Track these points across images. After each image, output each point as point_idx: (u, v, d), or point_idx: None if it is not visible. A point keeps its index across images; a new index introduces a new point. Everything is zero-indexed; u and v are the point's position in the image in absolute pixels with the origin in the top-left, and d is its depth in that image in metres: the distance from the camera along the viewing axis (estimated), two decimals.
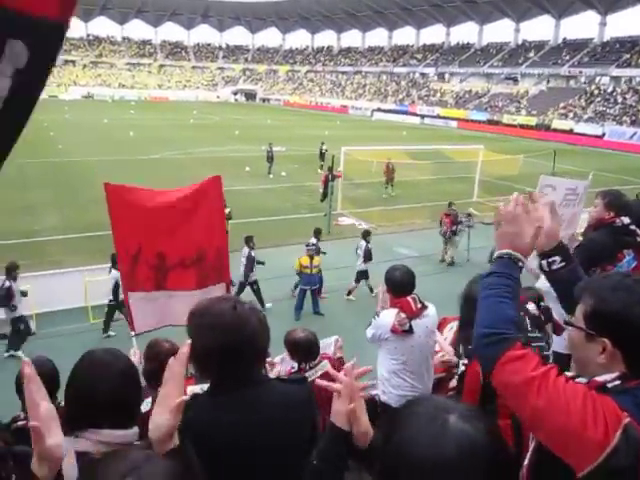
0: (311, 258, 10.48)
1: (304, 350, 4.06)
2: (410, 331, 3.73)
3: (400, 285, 3.87)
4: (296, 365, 4.22)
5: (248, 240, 10.54)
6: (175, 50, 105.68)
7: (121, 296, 9.02)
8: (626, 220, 3.71)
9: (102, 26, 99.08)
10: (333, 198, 16.83)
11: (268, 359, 3.91)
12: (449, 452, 0.95)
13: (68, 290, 9.53)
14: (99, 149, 28.91)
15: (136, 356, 3.30)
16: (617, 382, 1.45)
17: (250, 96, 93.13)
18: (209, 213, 3.96)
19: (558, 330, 3.03)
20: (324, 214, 16.29)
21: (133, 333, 3.97)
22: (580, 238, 4.11)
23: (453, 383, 4.38)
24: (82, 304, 9.82)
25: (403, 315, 3.72)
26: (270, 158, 24.41)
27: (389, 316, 3.79)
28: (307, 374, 4.19)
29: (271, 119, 54.54)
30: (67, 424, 1.97)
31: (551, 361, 3.71)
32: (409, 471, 0.96)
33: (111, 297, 9.27)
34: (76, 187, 20.00)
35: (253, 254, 10.45)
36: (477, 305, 1.67)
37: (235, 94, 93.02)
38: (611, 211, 3.75)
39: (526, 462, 1.65)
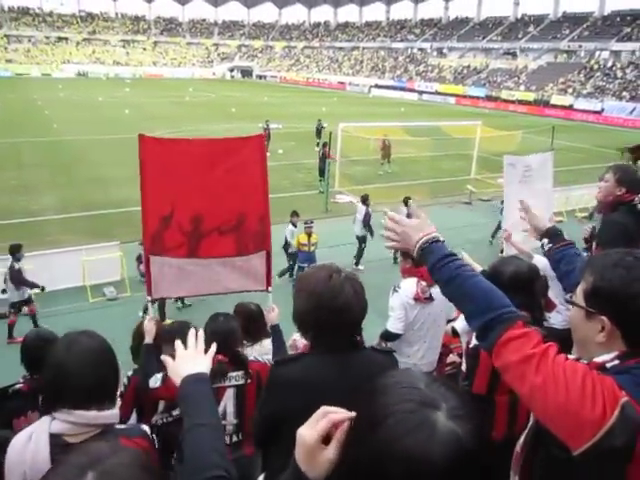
0: (309, 235, 10.51)
1: None
2: (431, 298, 3.93)
3: None
4: None
5: (365, 199, 11.72)
6: (169, 26, 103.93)
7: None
8: None
9: (95, 1, 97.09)
10: (330, 175, 16.76)
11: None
12: (436, 458, 0.88)
13: (67, 269, 9.56)
14: (94, 127, 28.61)
15: (150, 323, 3.27)
16: (616, 362, 1.44)
17: (246, 73, 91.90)
18: (251, 175, 3.66)
19: (549, 306, 3.04)
20: (321, 191, 16.23)
21: (149, 298, 3.73)
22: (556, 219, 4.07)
23: (451, 358, 4.44)
24: (81, 283, 9.86)
25: (424, 283, 3.90)
26: (267, 135, 24.24)
27: (411, 285, 3.98)
28: None
29: (268, 96, 53.91)
30: (44, 405, 2.00)
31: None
32: (393, 471, 0.90)
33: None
34: (72, 166, 19.87)
35: (370, 211, 11.60)
36: (459, 291, 1.69)
37: (231, 71, 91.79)
38: (622, 187, 3.60)
39: (521, 441, 1.65)
